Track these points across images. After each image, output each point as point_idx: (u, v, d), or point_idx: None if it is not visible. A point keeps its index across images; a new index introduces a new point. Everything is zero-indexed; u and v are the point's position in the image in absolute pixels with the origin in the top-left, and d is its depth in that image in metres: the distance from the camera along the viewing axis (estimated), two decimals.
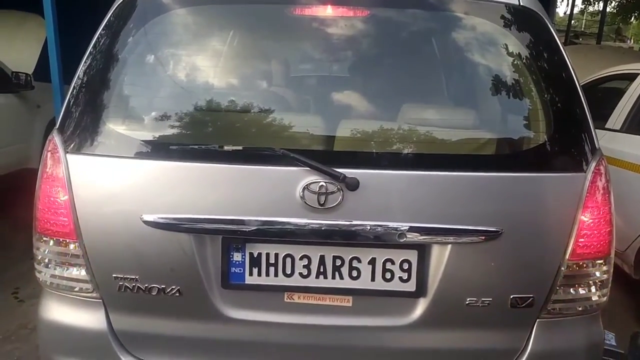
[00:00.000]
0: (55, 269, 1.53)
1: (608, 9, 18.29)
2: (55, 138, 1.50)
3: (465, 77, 1.72)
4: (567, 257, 1.45)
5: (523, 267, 1.47)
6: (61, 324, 1.57)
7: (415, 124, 1.55)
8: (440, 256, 1.45)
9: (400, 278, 1.47)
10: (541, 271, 1.47)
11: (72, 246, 1.49)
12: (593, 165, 1.46)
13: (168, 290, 1.48)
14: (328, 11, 1.57)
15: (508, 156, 1.53)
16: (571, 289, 1.49)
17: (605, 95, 3.93)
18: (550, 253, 1.47)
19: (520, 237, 1.44)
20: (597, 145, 1.49)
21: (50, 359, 1.60)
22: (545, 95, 1.52)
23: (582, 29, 29.73)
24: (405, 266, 1.47)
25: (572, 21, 23.11)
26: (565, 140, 1.49)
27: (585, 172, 1.45)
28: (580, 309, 1.52)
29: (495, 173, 1.45)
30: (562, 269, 1.46)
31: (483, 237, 1.43)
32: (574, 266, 1.47)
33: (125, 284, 1.48)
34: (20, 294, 3.15)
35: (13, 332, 2.81)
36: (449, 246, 1.44)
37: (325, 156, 1.45)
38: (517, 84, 1.58)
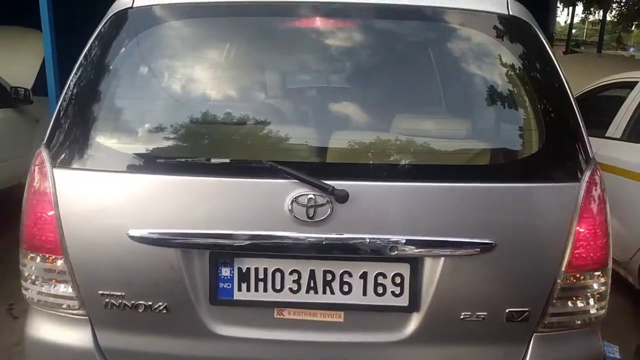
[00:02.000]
0: (42, 285, 1.50)
1: (608, 18, 18.34)
2: (43, 153, 1.48)
3: (458, 87, 1.71)
4: (563, 269, 1.42)
5: (518, 280, 1.44)
6: (48, 342, 1.54)
7: (408, 135, 1.53)
8: (433, 269, 1.41)
9: (393, 292, 1.44)
10: (537, 284, 1.44)
11: (58, 262, 1.46)
12: (588, 174, 1.43)
13: (155, 306, 1.45)
14: (321, 23, 1.56)
15: (501, 166, 1.50)
16: (568, 302, 1.45)
17: (605, 103, 3.90)
18: (545, 265, 1.43)
19: (515, 249, 1.41)
20: (591, 155, 1.47)
21: None
22: (538, 104, 1.49)
23: (584, 38, 29.83)
24: (398, 280, 1.44)
25: (573, 30, 23.20)
26: (558, 149, 1.46)
27: (579, 182, 1.42)
28: (578, 322, 1.48)
29: (488, 184, 1.42)
30: (559, 281, 1.42)
31: (477, 250, 1.39)
32: (571, 278, 1.43)
33: (112, 300, 1.45)
34: (15, 309, 3.12)
35: (8, 349, 2.78)
36: (442, 259, 1.40)
37: (314, 168, 1.42)
38: (510, 93, 1.56)
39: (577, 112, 1.48)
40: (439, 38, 1.64)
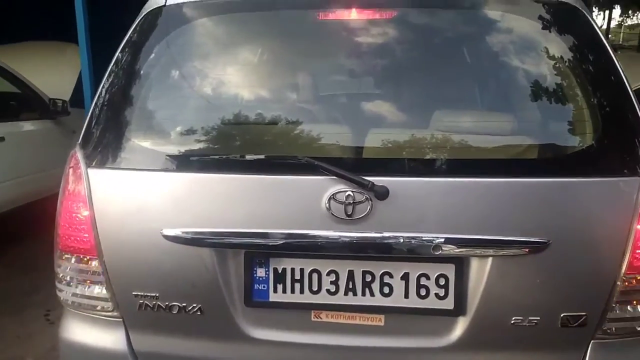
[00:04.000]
0: (76, 287, 1.49)
1: None
2: (77, 153, 1.48)
3: (502, 80, 1.61)
4: (623, 270, 1.30)
5: (574, 282, 1.33)
6: (81, 345, 1.52)
7: (449, 131, 1.45)
8: (480, 270, 1.33)
9: (437, 295, 1.36)
10: (594, 286, 1.33)
11: (93, 263, 1.44)
12: None
13: (189, 308, 1.41)
14: (354, 15, 1.51)
15: (554, 160, 1.41)
16: (629, 306, 1.34)
17: None
18: (603, 266, 1.32)
19: (570, 249, 1.31)
20: None
21: None
22: (592, 95, 1.40)
23: (620, 42, 28.96)
24: (442, 282, 1.35)
25: (610, 35, 22.54)
26: (616, 142, 1.36)
27: (639, 177, 1.31)
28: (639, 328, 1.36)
29: (539, 178, 1.32)
30: (618, 283, 1.31)
31: (528, 249, 1.30)
32: (632, 280, 1.32)
33: (146, 302, 1.42)
34: (51, 316, 3.16)
35: (44, 355, 2.80)
36: (490, 259, 1.31)
37: (352, 164, 1.36)
38: (559, 83, 1.47)
39: (635, 103, 1.38)
40: (480, 28, 1.56)
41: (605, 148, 1.36)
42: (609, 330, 1.35)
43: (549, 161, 1.41)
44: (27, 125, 4.35)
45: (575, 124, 1.44)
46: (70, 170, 1.47)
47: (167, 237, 1.37)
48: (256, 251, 1.38)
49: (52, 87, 4.70)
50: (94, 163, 1.45)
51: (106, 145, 1.47)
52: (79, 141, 1.50)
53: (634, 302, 1.34)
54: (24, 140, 4.28)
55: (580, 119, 1.41)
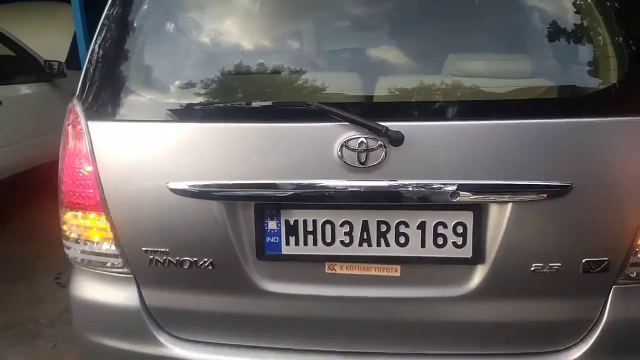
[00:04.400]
0: (85, 244, 1.46)
1: None
2: (76, 106, 1.42)
3: (519, 20, 1.52)
4: None
5: (597, 227, 1.28)
6: (93, 302, 1.50)
7: (465, 75, 1.38)
8: (499, 217, 1.28)
9: (454, 243, 1.32)
10: (618, 230, 1.29)
11: (99, 219, 1.41)
12: None
13: (200, 263, 1.38)
14: None
15: (575, 100, 1.34)
16: None
17: None
18: (628, 210, 1.27)
19: (593, 192, 1.26)
20: None
21: (84, 338, 1.54)
22: (618, 29, 1.31)
23: None
24: (460, 230, 1.31)
25: None
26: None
27: None
28: None
29: (561, 119, 1.26)
30: None
31: (550, 194, 1.25)
32: None
33: (156, 257, 1.39)
34: (62, 279, 3.18)
35: (56, 317, 2.83)
36: (510, 205, 1.27)
37: (364, 109, 1.30)
38: (580, 20, 1.38)
39: None
40: None
41: (631, 86, 1.29)
42: (631, 276, 1.32)
43: (570, 101, 1.34)
44: (24, 89, 4.26)
45: (598, 62, 1.36)
46: (70, 125, 1.41)
47: (173, 191, 1.32)
48: (266, 203, 1.34)
49: (45, 49, 4.58)
50: (94, 116, 1.39)
51: (105, 97, 1.41)
52: (77, 94, 1.44)
53: None
54: (22, 104, 4.20)
55: (604, 56, 1.33)
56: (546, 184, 1.24)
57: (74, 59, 4.59)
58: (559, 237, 1.30)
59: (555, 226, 1.29)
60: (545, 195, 1.25)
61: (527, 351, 1.39)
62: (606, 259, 1.29)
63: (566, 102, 1.34)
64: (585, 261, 1.29)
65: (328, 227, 1.34)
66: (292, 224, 1.35)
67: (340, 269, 1.37)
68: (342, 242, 1.34)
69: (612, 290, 1.34)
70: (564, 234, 1.29)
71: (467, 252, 1.32)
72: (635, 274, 1.32)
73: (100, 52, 1.45)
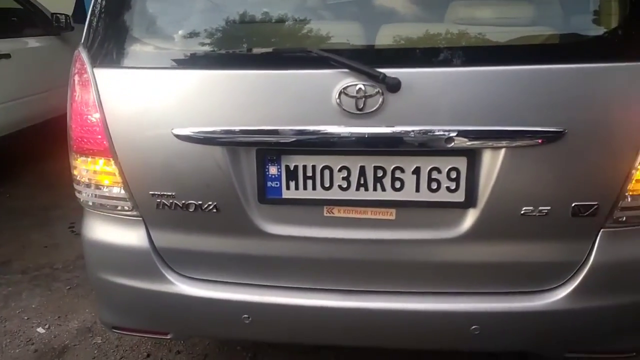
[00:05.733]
0: (95, 188, 1.52)
1: None
2: (82, 53, 1.45)
3: None
4: (639, 159, 1.29)
5: (588, 171, 1.32)
6: (105, 243, 1.58)
7: (463, 23, 1.39)
8: (492, 163, 1.32)
9: (448, 188, 1.36)
10: (608, 176, 1.32)
11: (108, 164, 1.47)
12: None
13: (205, 206, 1.44)
14: None
15: (569, 45, 1.34)
16: None
17: None
18: (619, 155, 1.30)
19: (586, 138, 1.28)
20: None
21: (97, 277, 1.63)
22: None
23: None
24: (453, 175, 1.35)
25: None
26: (637, 23, 1.28)
27: None
28: None
29: (554, 65, 1.27)
30: (633, 172, 1.30)
31: (543, 139, 1.28)
32: None
33: (163, 200, 1.46)
34: (76, 227, 3.30)
35: (72, 262, 2.96)
36: (503, 150, 1.30)
37: (363, 56, 1.32)
38: None
39: None
40: None
41: (627, 32, 1.29)
42: (619, 219, 1.36)
43: (564, 47, 1.35)
44: (32, 42, 4.27)
45: (598, 7, 1.35)
46: (76, 71, 1.45)
47: (178, 137, 1.37)
48: (267, 148, 1.38)
49: (52, 2, 4.55)
50: (99, 63, 1.42)
51: (111, 44, 1.43)
52: (82, 41, 1.47)
53: None
54: (31, 57, 4.21)
55: (604, 0, 1.32)
56: (539, 129, 1.27)
57: (80, 12, 4.56)
58: (550, 182, 1.33)
59: (546, 171, 1.32)
60: (537, 141, 1.28)
61: (515, 290, 1.45)
62: (595, 203, 1.33)
63: (560, 48, 1.34)
64: (575, 205, 1.33)
65: (327, 172, 1.39)
66: (292, 169, 1.40)
67: (338, 212, 1.43)
68: (340, 186, 1.39)
69: (599, 233, 1.38)
70: (555, 179, 1.33)
71: (459, 196, 1.36)
72: (624, 218, 1.36)
73: (104, 1, 1.46)
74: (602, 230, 1.38)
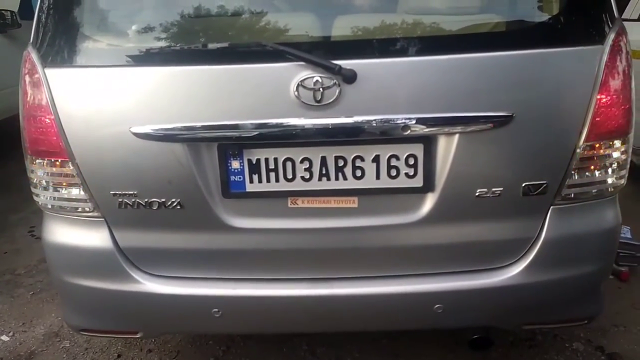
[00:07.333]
0: (53, 190, 1.49)
1: None
2: (32, 54, 1.41)
3: None
4: (583, 138, 1.36)
5: (536, 153, 1.39)
6: (67, 246, 1.55)
7: (416, 13, 1.43)
8: (447, 148, 1.37)
9: (407, 174, 1.41)
10: (555, 155, 1.39)
11: (65, 166, 1.44)
12: (612, 36, 1.33)
13: (168, 203, 1.44)
14: None
15: (515, 32, 1.41)
16: (587, 172, 1.42)
17: None
18: (564, 135, 1.38)
19: (533, 121, 1.35)
20: (616, 14, 1.36)
21: (62, 281, 1.60)
22: None
23: None
24: (411, 161, 1.40)
25: None
26: (579, 9, 1.35)
27: (602, 45, 1.33)
28: (595, 192, 1.45)
29: (503, 52, 1.33)
30: (578, 151, 1.38)
31: (493, 124, 1.34)
32: (590, 148, 1.38)
33: (125, 200, 1.45)
34: (36, 231, 3.21)
35: (34, 267, 2.89)
36: (457, 136, 1.35)
37: (318, 49, 1.34)
38: None
39: None
40: None
41: (569, 16, 1.36)
42: (567, 196, 1.44)
43: (512, 34, 1.41)
44: None
45: None
46: (27, 73, 1.41)
47: (137, 135, 1.36)
48: (229, 143, 1.39)
49: None
50: (50, 62, 1.39)
51: (62, 43, 1.40)
52: (31, 40, 1.43)
53: (592, 168, 1.42)
54: None
55: None
56: (489, 114, 1.33)
57: (26, 8, 4.38)
58: (501, 164, 1.40)
59: (497, 154, 1.39)
60: (489, 126, 1.34)
61: (473, 269, 1.52)
62: (544, 182, 1.41)
63: (508, 35, 1.40)
64: (525, 185, 1.41)
65: (289, 164, 1.41)
66: (254, 162, 1.41)
67: (302, 203, 1.46)
68: (302, 177, 1.42)
69: (549, 211, 1.46)
70: (506, 161, 1.40)
71: (418, 181, 1.42)
72: (571, 194, 1.44)
73: None
74: (551, 207, 1.46)
